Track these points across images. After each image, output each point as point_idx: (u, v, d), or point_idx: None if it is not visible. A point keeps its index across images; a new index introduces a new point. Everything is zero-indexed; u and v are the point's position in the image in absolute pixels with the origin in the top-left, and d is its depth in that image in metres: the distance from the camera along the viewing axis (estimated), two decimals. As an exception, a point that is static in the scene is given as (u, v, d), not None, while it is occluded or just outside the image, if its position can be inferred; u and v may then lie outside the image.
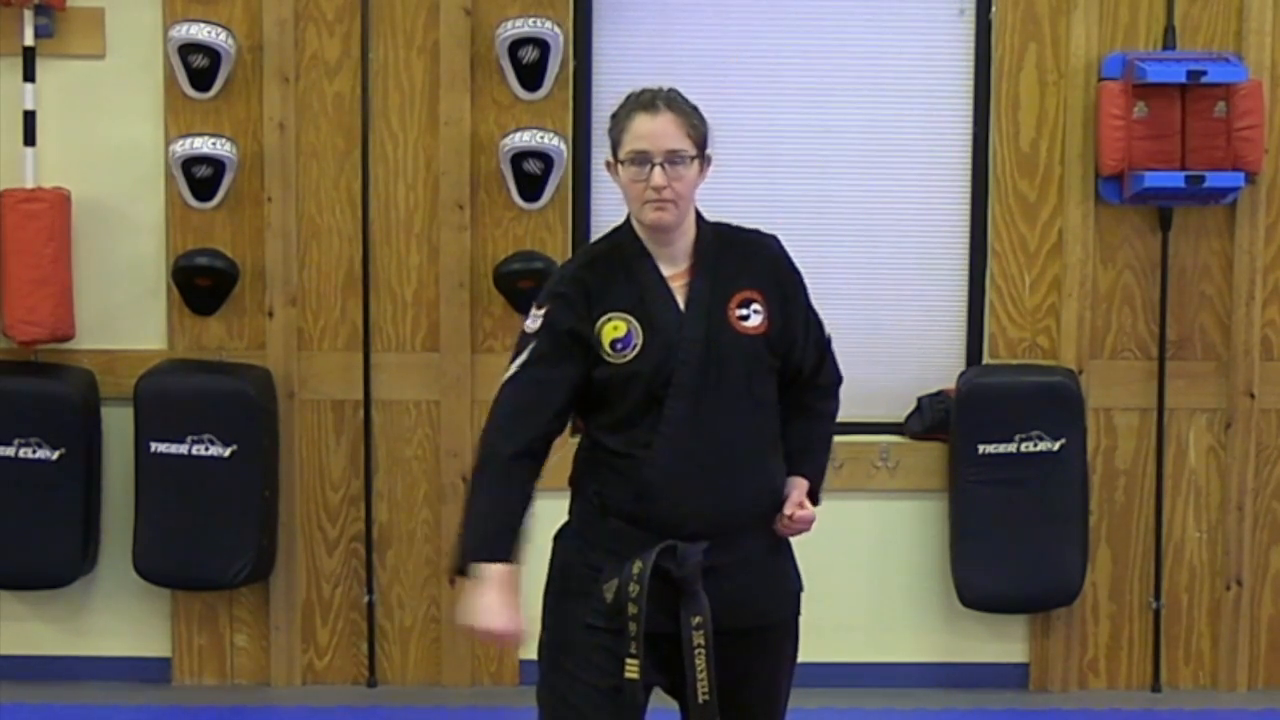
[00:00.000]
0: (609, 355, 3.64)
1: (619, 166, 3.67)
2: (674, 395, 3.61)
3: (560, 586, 3.73)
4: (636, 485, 3.62)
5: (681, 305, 3.66)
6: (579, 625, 3.65)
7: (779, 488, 3.72)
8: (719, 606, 3.62)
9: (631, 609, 3.58)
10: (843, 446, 6.08)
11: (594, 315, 3.65)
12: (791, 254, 3.80)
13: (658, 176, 3.60)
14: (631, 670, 3.59)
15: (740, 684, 3.70)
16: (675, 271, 3.68)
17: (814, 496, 3.78)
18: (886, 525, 6.30)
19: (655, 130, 3.62)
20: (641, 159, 3.62)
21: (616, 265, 3.70)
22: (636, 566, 3.59)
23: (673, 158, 3.61)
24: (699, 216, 3.74)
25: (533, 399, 3.66)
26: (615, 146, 3.68)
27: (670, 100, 3.66)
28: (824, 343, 3.83)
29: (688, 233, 3.70)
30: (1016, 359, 6.28)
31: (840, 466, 6.15)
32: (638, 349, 3.62)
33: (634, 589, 3.58)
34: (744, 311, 3.68)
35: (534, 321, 3.68)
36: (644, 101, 3.66)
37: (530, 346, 3.67)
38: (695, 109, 3.69)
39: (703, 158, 3.68)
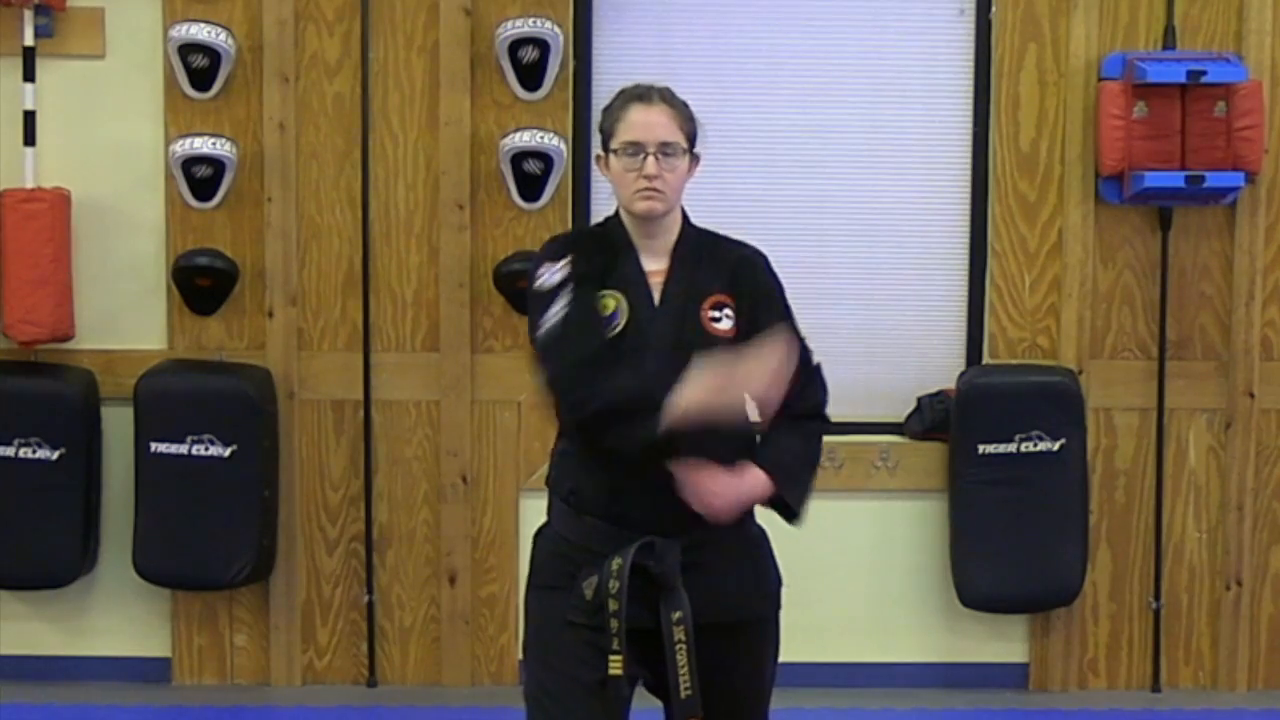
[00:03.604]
0: None
1: (610, 158, 3.69)
2: None
3: (541, 581, 3.73)
4: (610, 484, 3.62)
5: (657, 301, 3.66)
6: (560, 620, 3.65)
7: None
8: (698, 602, 3.61)
9: (612, 605, 3.57)
10: (843, 446, 6.12)
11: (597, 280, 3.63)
12: (781, 271, 3.77)
13: (650, 166, 3.63)
14: (615, 666, 3.58)
15: (723, 680, 3.69)
16: (655, 268, 3.69)
17: (786, 507, 3.67)
18: (886, 525, 6.30)
19: (650, 121, 3.65)
20: (635, 149, 3.64)
21: (605, 249, 3.70)
22: (616, 563, 3.59)
23: (666, 149, 3.64)
24: (685, 219, 3.76)
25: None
26: (607, 138, 3.71)
27: (664, 94, 3.71)
28: (809, 367, 3.74)
29: (672, 229, 3.71)
30: (1016, 359, 6.28)
31: (840, 466, 6.16)
32: (619, 329, 3.60)
33: (614, 585, 3.57)
34: (716, 314, 3.68)
35: (552, 274, 3.62)
36: (638, 93, 3.71)
37: (566, 294, 3.58)
38: (686, 105, 3.73)
39: (692, 154, 3.71)
